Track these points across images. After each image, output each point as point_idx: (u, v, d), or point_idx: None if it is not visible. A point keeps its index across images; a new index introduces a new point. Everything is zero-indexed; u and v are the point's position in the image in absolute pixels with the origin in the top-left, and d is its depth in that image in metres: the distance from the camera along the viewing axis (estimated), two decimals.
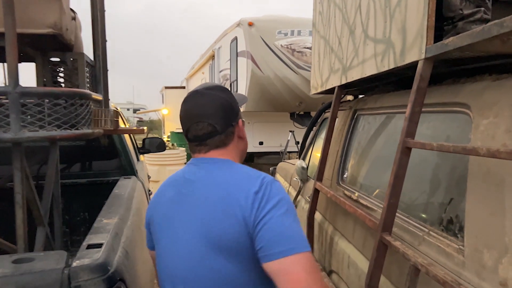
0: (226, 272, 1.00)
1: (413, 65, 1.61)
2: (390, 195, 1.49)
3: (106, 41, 2.27)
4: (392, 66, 1.75)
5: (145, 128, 2.30)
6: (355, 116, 2.61)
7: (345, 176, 2.49)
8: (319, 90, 3.04)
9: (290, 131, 8.07)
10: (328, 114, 3.29)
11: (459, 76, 1.61)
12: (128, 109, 51.49)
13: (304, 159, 3.69)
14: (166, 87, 18.18)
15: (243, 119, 1.26)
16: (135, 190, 2.33)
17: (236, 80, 9.36)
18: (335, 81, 2.61)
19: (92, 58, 2.17)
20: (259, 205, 0.99)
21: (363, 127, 2.46)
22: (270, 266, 0.96)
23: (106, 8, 2.26)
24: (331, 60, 2.71)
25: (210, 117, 1.15)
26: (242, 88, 8.90)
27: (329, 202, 2.51)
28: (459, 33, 1.48)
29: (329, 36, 2.76)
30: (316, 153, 3.44)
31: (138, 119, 49.33)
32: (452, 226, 1.31)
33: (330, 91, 2.86)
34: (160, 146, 5.00)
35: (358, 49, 2.18)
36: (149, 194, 3.22)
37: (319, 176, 2.59)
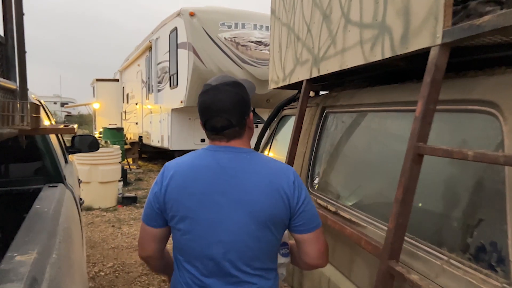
0: (268, 240, 1.29)
1: (415, 54, 1.34)
2: (398, 213, 1.20)
3: (23, 14, 1.77)
4: (388, 55, 1.46)
5: (75, 126, 1.82)
6: (323, 114, 2.32)
7: (315, 181, 2.19)
8: (281, 84, 2.73)
9: None
10: (288, 112, 2.99)
11: (462, 68, 1.37)
12: (55, 103, 48.04)
13: None
14: (98, 80, 16.99)
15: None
16: (62, 203, 1.86)
17: (176, 73, 8.82)
18: (302, 74, 2.30)
19: (2, 35, 1.66)
20: (298, 193, 1.28)
21: (335, 126, 2.18)
22: (308, 236, 1.31)
23: None
24: (297, 50, 2.39)
25: (227, 112, 1.28)
26: (182, 82, 8.38)
27: None
28: (470, 15, 1.22)
29: (293, 23, 2.44)
30: (276, 154, 3.13)
31: (66, 114, 46.15)
32: (486, 255, 1.04)
33: (295, 85, 2.56)
34: (92, 145, 4.41)
35: (336, 37, 1.88)
36: (81, 204, 2.70)
37: None
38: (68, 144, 4.42)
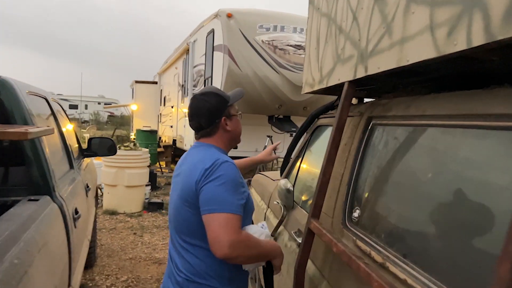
0: (186, 215, 1.61)
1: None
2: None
3: None
4: (479, 43, 0.95)
5: (35, 129, 1.43)
6: (369, 127, 1.81)
7: (355, 214, 1.68)
8: (316, 87, 2.24)
9: (268, 136, 7.28)
10: (324, 121, 2.50)
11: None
12: (99, 103, 49.57)
13: (288, 177, 2.88)
14: (137, 81, 17.08)
15: (237, 113, 1.86)
16: (39, 228, 1.47)
17: (211, 76, 8.49)
18: (344, 75, 1.81)
19: None
20: (206, 176, 1.54)
21: (385, 143, 1.67)
22: (203, 218, 1.52)
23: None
24: (338, 45, 1.91)
25: (198, 117, 1.76)
26: (217, 86, 8.03)
27: (330, 252, 1.70)
28: None
29: (335, 12, 1.96)
30: (306, 172, 2.64)
31: (109, 114, 47.44)
32: None
33: (333, 90, 2.07)
34: (111, 149, 4.09)
35: (393, 23, 1.38)
36: (75, 219, 2.31)
37: (315, 212, 1.78)
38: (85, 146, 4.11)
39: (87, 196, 3.14)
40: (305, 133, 2.82)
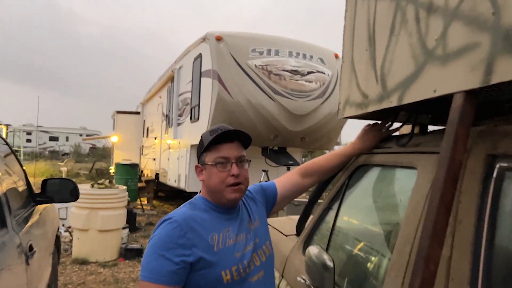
0: None
1: None
2: None
3: None
4: None
5: None
6: (493, 173, 1.01)
7: None
8: (372, 108, 1.45)
9: (264, 171, 6.45)
10: (372, 158, 1.69)
11: None
12: (80, 135, 48.26)
13: (311, 239, 2.04)
14: (118, 112, 16.20)
15: (212, 163, 1.43)
16: None
17: (198, 105, 7.71)
18: (448, 81, 1.03)
19: None
20: None
21: None
22: None
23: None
24: (425, 33, 1.13)
25: None
26: (204, 115, 7.24)
27: None
28: None
29: None
30: (347, 234, 1.81)
31: (90, 146, 46.00)
32: None
33: (383, 112, 1.28)
34: (72, 193, 3.20)
35: None
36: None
37: None
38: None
39: (28, 263, 2.23)
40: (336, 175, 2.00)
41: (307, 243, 2.10)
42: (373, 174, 1.74)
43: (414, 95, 1.18)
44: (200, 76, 7.70)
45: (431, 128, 1.85)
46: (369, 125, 1.72)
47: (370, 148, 1.69)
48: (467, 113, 0.96)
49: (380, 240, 1.57)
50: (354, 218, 1.83)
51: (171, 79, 10.22)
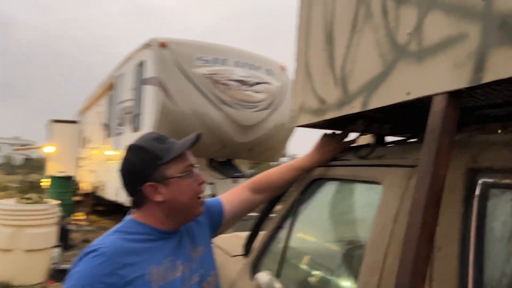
0: None
1: None
2: None
3: None
4: None
5: None
6: (476, 193, 0.86)
7: None
8: (331, 114, 1.27)
9: (209, 183, 6.17)
10: (326, 171, 1.52)
11: None
12: (12, 145, 44.99)
13: (260, 261, 1.82)
14: (54, 121, 15.16)
15: (182, 173, 1.20)
16: None
17: (140, 114, 7.30)
18: (424, 82, 0.87)
19: None
20: None
21: None
22: None
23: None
24: (395, 27, 0.98)
25: (122, 180, 1.24)
26: (147, 124, 6.85)
27: None
28: None
29: None
30: (301, 256, 1.61)
31: (24, 157, 42.89)
32: None
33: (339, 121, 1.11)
34: None
35: None
36: None
37: None
38: None
39: None
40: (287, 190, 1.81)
41: (256, 266, 1.88)
42: (329, 189, 1.57)
43: (382, 99, 1.01)
44: (143, 84, 7.32)
45: (387, 139, 1.72)
46: (327, 135, 1.55)
47: (328, 160, 1.52)
48: (450, 118, 0.80)
49: (340, 266, 1.39)
50: (309, 238, 1.64)
51: (112, 86, 9.69)
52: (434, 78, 0.84)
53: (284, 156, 8.03)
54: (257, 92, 6.99)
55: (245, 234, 3.16)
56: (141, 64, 7.51)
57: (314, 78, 1.41)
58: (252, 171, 11.09)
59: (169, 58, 6.67)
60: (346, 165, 1.43)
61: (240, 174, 7.01)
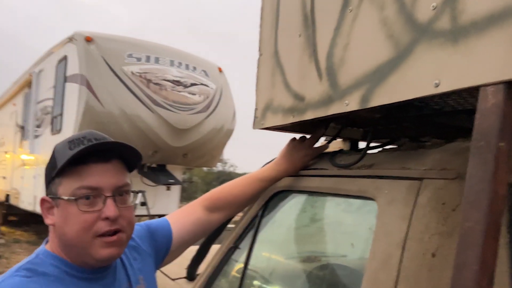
0: None
1: None
2: None
3: None
4: None
5: None
6: None
7: None
8: (311, 114, 1.03)
9: (139, 192, 5.67)
10: (291, 182, 1.28)
11: None
12: None
13: (211, 287, 1.53)
14: None
15: (68, 195, 0.86)
16: None
17: (61, 114, 6.60)
18: (469, 67, 0.64)
19: None
20: None
21: None
22: None
23: None
24: (403, 1, 0.75)
25: None
26: (69, 126, 6.18)
27: None
28: None
29: None
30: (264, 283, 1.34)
31: None
32: None
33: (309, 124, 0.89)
34: None
35: None
36: None
37: None
38: None
39: None
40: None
41: None
42: (297, 203, 1.32)
43: (393, 93, 0.78)
44: (65, 81, 6.62)
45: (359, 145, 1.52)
46: (295, 139, 1.30)
47: (298, 169, 1.27)
48: (509, 117, 0.59)
49: None
50: (275, 261, 1.38)
51: (29, 84, 8.72)
52: (482, 64, 0.62)
53: (221, 161, 7.76)
54: (193, 94, 6.63)
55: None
56: (63, 60, 6.80)
57: (287, 70, 1.15)
58: (185, 176, 10.64)
59: (95, 54, 6.09)
60: (322, 175, 1.19)
61: (173, 181, 6.60)
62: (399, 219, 0.87)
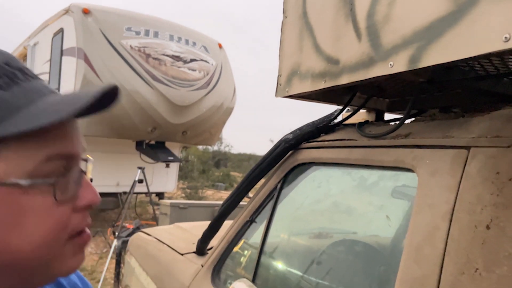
0: None
1: None
2: None
3: None
4: None
5: None
6: None
7: None
8: (347, 78, 0.95)
9: (139, 168, 5.61)
10: (313, 154, 1.22)
11: None
12: None
13: (224, 262, 1.48)
14: None
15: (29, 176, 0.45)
16: None
17: (58, 88, 6.45)
18: None
19: None
20: None
21: None
22: None
23: None
24: None
25: None
26: None
27: None
28: None
29: None
30: (284, 257, 1.29)
31: None
32: None
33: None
34: None
35: None
36: None
37: None
38: None
39: None
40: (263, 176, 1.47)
41: (218, 270, 1.54)
42: (322, 176, 1.26)
43: (451, 51, 0.71)
44: (61, 55, 6.46)
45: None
46: None
47: None
48: None
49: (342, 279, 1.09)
50: (295, 238, 1.33)
51: (24, 57, 8.51)
52: None
53: (220, 140, 7.70)
54: (193, 69, 6.50)
55: (188, 225, 2.79)
56: (59, 32, 6.62)
57: (318, 32, 1.07)
58: (182, 154, 10.58)
59: (93, 26, 5.92)
60: (350, 146, 1.13)
61: (172, 158, 6.54)
62: (445, 190, 0.81)
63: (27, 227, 0.46)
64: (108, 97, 0.50)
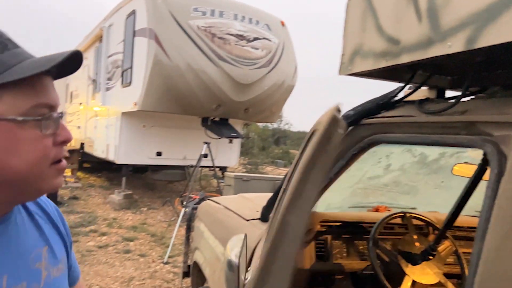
0: None
1: None
2: None
3: None
4: None
5: None
6: None
7: None
8: (406, 57, 1.02)
9: (205, 143, 5.92)
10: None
11: None
12: None
13: None
14: None
15: (22, 114, 0.65)
16: None
17: (131, 67, 6.91)
18: None
19: None
20: None
21: None
22: None
23: None
24: None
25: None
26: (138, 79, 6.48)
27: None
28: None
29: None
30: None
31: None
32: None
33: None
34: None
35: None
36: None
37: None
38: None
39: None
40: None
41: None
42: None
43: (507, 31, 0.76)
44: (134, 36, 6.88)
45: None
46: None
47: None
48: None
49: None
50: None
51: (100, 38, 9.14)
52: None
53: (280, 118, 7.82)
54: (255, 48, 6.63)
55: (252, 196, 2.97)
56: (132, 14, 7.03)
57: (380, 13, 1.14)
58: (244, 131, 10.86)
59: (163, 8, 6.22)
60: (409, 122, 1.20)
61: (236, 134, 6.78)
62: None
63: (23, 151, 0.66)
64: (76, 62, 0.72)
